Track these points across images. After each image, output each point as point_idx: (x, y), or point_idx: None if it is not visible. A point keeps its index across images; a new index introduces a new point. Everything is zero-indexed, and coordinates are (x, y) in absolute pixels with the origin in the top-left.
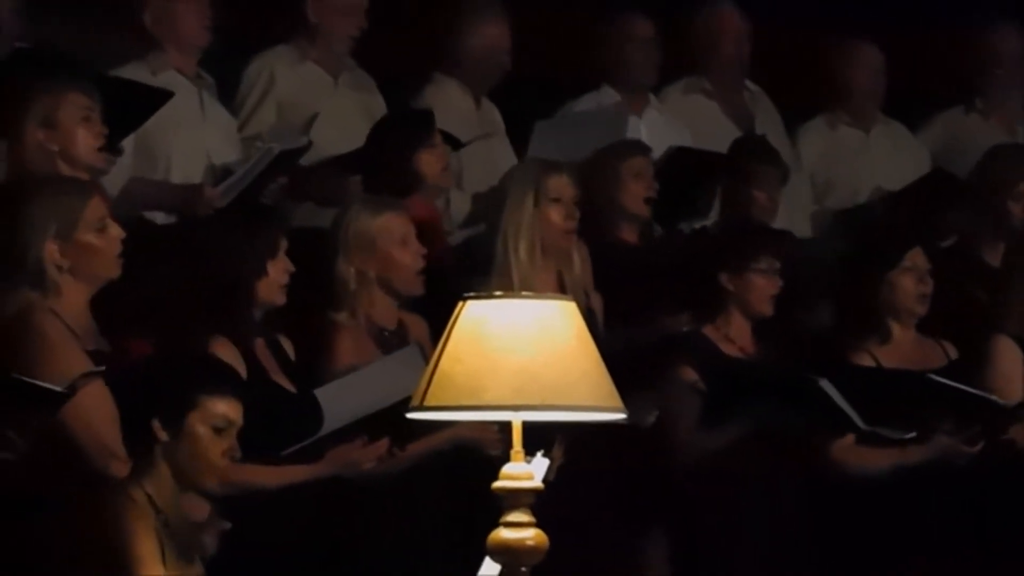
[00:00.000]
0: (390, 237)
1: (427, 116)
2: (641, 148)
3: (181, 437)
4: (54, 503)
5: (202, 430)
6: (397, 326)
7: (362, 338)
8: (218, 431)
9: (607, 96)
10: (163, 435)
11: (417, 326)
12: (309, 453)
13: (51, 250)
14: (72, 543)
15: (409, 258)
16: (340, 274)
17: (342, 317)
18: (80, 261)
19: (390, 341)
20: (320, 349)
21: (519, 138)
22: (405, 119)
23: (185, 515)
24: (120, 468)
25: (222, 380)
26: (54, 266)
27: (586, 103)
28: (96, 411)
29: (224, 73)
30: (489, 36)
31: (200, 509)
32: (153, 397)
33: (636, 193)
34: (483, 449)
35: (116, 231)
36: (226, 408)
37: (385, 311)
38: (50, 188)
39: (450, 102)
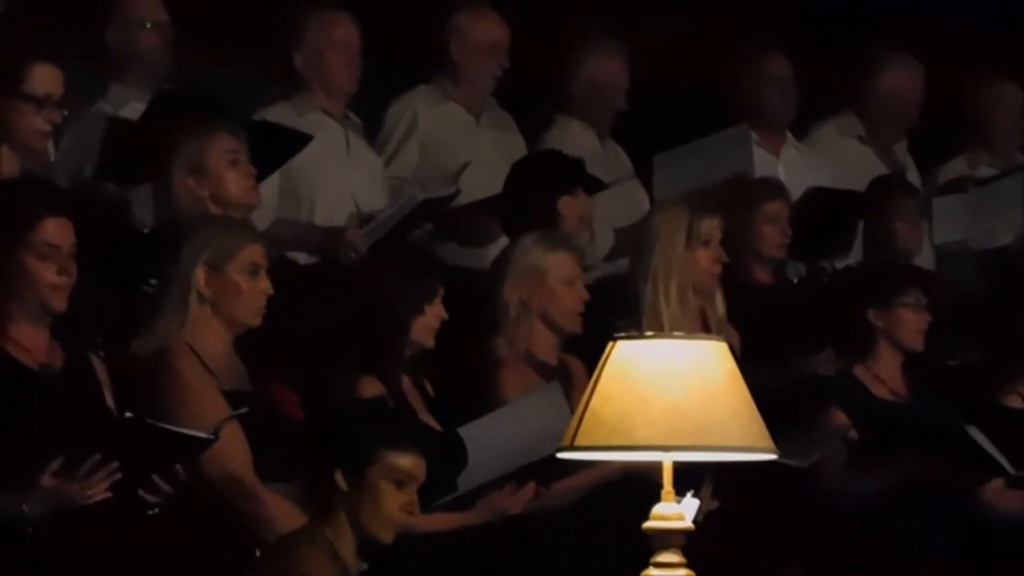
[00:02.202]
0: (559, 274)
1: (578, 163)
2: (776, 190)
3: (362, 489)
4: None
5: (383, 484)
6: (558, 363)
7: (524, 370)
8: (399, 485)
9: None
10: (344, 485)
11: (576, 366)
12: (460, 502)
13: (199, 275)
14: None
15: (572, 299)
16: (503, 300)
17: (501, 345)
18: (223, 297)
19: (553, 377)
20: (482, 383)
21: (646, 177)
22: (553, 162)
23: (359, 564)
24: (258, 510)
25: (405, 434)
26: (197, 293)
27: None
28: (232, 452)
29: (367, 114)
30: (608, 74)
31: None
32: (335, 446)
33: (771, 238)
34: (654, 477)
35: (266, 284)
36: (409, 463)
37: (545, 346)
38: (215, 222)
39: (575, 143)
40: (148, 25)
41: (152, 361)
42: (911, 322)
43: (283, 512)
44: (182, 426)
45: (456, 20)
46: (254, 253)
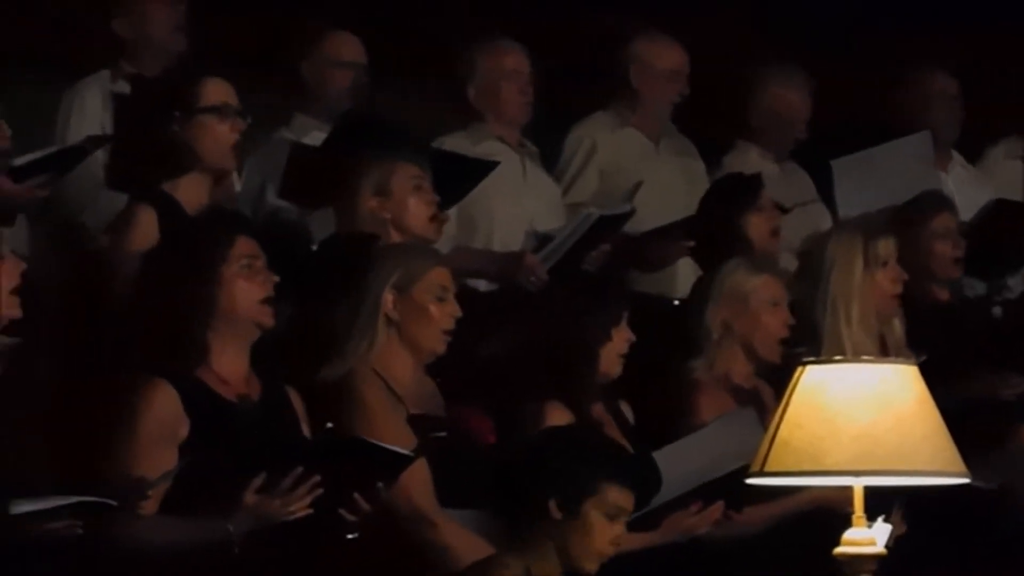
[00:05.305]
0: (763, 297)
1: (754, 180)
2: (944, 203)
3: (576, 520)
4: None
5: (596, 516)
6: (753, 388)
7: (721, 395)
8: (611, 518)
9: None
10: (558, 515)
11: (766, 391)
12: (645, 521)
13: (387, 298)
14: None
15: (776, 323)
16: (706, 324)
17: (699, 368)
18: (410, 320)
19: (748, 402)
20: (677, 407)
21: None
22: (732, 183)
23: None
24: (437, 538)
25: (622, 467)
26: (385, 316)
27: None
28: (415, 478)
29: (544, 141)
30: (789, 102)
31: None
32: (549, 475)
33: (943, 253)
34: (842, 508)
35: (454, 308)
36: (622, 497)
37: (742, 372)
38: (403, 246)
39: (754, 168)
40: (344, 65)
41: (338, 386)
42: None
43: (462, 541)
44: None
45: (636, 48)
46: (441, 276)
